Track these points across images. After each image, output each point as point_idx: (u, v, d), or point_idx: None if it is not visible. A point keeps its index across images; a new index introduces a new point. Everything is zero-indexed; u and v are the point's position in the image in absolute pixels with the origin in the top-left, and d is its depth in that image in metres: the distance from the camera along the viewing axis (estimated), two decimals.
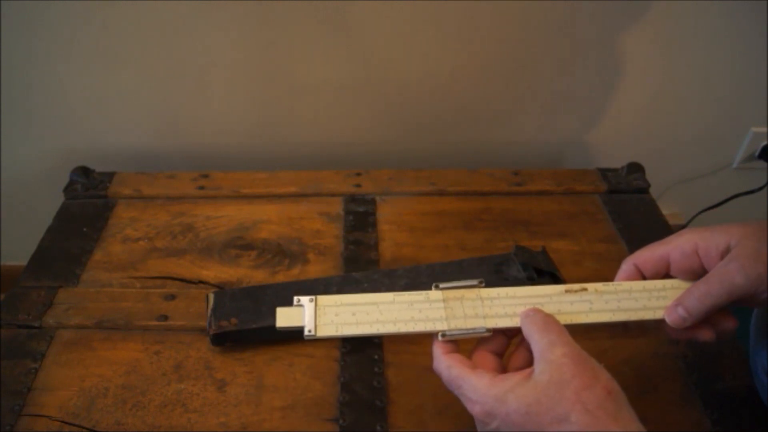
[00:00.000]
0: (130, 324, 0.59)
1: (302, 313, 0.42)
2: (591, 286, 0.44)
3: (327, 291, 0.58)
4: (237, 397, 0.53)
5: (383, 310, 0.42)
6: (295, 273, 0.65)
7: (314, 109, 0.86)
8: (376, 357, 0.56)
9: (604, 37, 0.80)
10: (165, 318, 0.59)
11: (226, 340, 0.56)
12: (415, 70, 0.82)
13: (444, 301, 0.43)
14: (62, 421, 0.51)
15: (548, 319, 0.40)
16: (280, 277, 0.64)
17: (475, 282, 0.43)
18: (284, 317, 0.42)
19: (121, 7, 0.73)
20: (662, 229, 0.71)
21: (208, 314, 0.56)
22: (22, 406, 0.52)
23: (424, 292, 0.43)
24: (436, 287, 0.43)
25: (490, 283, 0.58)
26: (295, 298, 0.43)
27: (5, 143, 0.87)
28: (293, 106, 0.85)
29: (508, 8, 0.75)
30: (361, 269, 0.64)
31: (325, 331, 0.41)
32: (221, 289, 0.60)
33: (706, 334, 0.42)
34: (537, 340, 0.38)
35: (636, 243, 0.68)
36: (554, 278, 0.60)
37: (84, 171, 0.76)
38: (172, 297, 0.61)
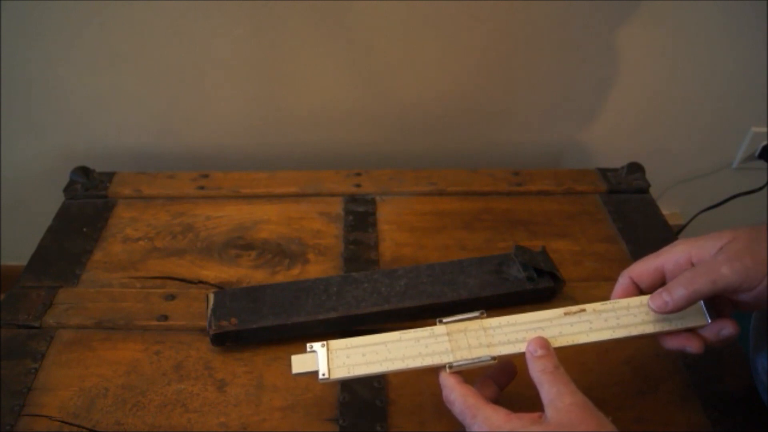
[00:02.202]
0: (130, 324, 0.59)
1: (315, 359, 0.43)
2: (589, 306, 0.45)
3: (327, 291, 0.58)
4: (237, 397, 0.53)
5: (391, 349, 0.44)
6: (295, 273, 0.65)
7: (314, 109, 0.86)
8: None
9: (604, 37, 0.80)
10: (165, 318, 0.59)
11: (226, 340, 0.56)
12: (415, 70, 0.82)
13: (448, 334, 0.44)
14: (62, 421, 0.51)
15: (556, 370, 0.41)
16: (280, 277, 0.64)
17: (476, 314, 0.45)
18: (299, 363, 0.44)
19: (121, 8, 0.73)
20: (662, 229, 0.71)
21: (208, 314, 0.56)
22: (22, 406, 0.52)
23: (429, 328, 0.44)
24: (440, 322, 0.45)
25: (490, 283, 0.59)
26: (308, 345, 0.44)
27: (5, 143, 0.87)
28: (293, 106, 0.85)
29: (508, 9, 0.75)
30: (361, 269, 0.64)
31: (338, 374, 0.43)
32: (221, 289, 0.60)
33: (695, 345, 0.43)
34: (547, 389, 0.40)
35: (636, 243, 0.68)
36: (554, 278, 0.60)
37: (84, 171, 0.77)
38: (172, 297, 0.61)
